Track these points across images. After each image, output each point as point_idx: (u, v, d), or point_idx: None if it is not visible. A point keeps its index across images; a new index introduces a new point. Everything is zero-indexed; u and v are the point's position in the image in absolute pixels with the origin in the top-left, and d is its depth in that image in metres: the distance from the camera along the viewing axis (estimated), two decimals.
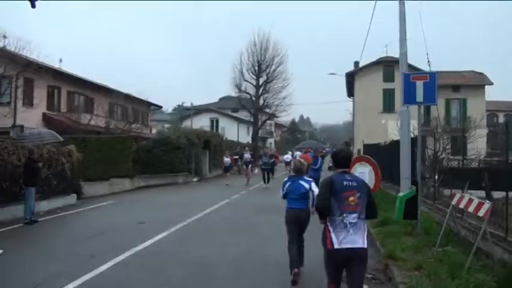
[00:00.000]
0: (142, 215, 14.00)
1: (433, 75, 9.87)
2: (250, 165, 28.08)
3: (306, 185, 7.50)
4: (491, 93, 59.64)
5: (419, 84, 9.89)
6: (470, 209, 7.40)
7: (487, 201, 7.08)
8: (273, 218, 11.77)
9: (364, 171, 7.49)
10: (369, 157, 7.67)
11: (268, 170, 25.31)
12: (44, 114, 28.42)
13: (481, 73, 42.11)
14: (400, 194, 9.88)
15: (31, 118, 26.07)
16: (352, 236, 4.78)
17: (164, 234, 10.93)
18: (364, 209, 4.90)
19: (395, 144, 18.23)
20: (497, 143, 41.63)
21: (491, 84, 41.20)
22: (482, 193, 12.99)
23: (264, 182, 24.63)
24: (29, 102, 26.79)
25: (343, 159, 5.21)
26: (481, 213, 6.93)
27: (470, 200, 7.48)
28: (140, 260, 8.54)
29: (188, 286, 7.08)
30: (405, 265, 7.49)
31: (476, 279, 6.22)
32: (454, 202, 8.26)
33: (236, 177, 30.32)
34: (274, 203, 13.24)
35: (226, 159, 28.08)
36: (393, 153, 17.27)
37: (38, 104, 26.90)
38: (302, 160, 8.23)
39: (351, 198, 4.81)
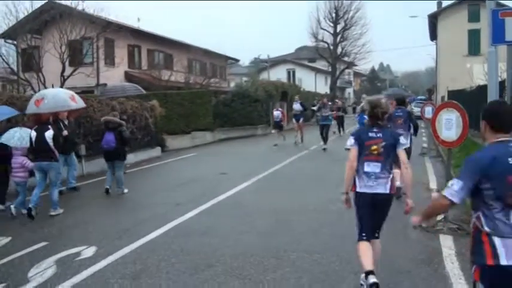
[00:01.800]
0: (224, 166, 14.47)
1: None
2: (301, 119, 22.04)
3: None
4: None
5: (509, 21, 9.19)
6: None
7: None
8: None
9: (451, 118, 7.13)
10: (456, 102, 7.26)
11: (327, 126, 19.55)
12: (125, 73, 29.50)
13: None
14: None
15: (113, 77, 27.17)
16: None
17: (246, 184, 11.26)
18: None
19: (482, 89, 17.33)
20: None
21: None
22: None
23: (323, 142, 19.16)
24: (110, 61, 27.86)
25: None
26: None
27: None
28: (224, 209, 8.89)
29: (271, 232, 7.25)
30: None
31: None
32: None
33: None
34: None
35: (276, 113, 22.38)
36: (480, 99, 16.41)
37: (119, 63, 27.91)
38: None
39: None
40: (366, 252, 4.73)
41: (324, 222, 7.68)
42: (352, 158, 4.90)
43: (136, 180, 12.43)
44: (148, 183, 12.34)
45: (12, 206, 8.55)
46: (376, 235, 5.02)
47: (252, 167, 13.95)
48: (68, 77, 22.92)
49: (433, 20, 42.51)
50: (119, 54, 28.16)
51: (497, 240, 3.03)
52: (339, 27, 48.21)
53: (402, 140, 5.00)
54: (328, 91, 50.79)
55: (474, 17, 39.27)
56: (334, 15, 47.75)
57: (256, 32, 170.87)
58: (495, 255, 3.02)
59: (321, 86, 55.46)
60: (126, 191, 10.66)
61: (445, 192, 3.21)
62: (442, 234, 6.98)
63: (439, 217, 7.41)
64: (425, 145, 18.77)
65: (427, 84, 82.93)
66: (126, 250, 6.41)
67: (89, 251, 6.40)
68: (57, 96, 9.75)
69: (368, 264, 4.60)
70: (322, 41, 48.74)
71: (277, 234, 7.13)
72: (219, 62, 42.43)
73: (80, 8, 23.92)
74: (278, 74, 52.32)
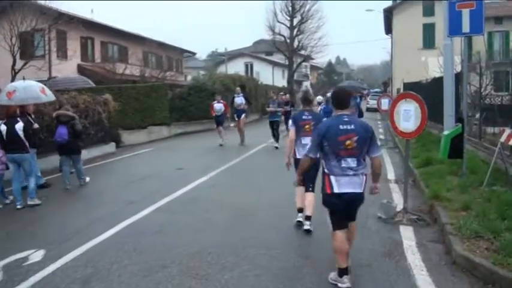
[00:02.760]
0: (181, 161, 14.09)
1: (479, 1, 9.19)
2: (243, 115, 18.96)
3: None
4: None
5: (465, 13, 9.27)
6: None
7: None
8: None
9: (409, 109, 7.04)
10: (415, 93, 7.18)
11: (277, 123, 17.61)
12: (78, 66, 28.65)
13: None
14: (445, 132, 9.49)
15: (66, 70, 26.24)
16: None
17: (203, 179, 10.99)
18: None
19: (437, 81, 17.56)
20: None
21: None
22: None
23: (274, 139, 17.33)
24: (63, 54, 26.91)
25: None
26: None
27: None
28: (180, 205, 8.59)
29: (229, 229, 7.02)
30: (451, 206, 7.20)
31: None
32: (502, 139, 7.84)
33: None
34: None
35: (218, 106, 18.46)
36: (435, 91, 16.64)
37: (72, 56, 27.05)
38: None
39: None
40: (301, 194, 6.85)
41: (282, 217, 7.48)
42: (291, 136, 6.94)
43: (90, 177, 11.94)
44: (101, 181, 11.85)
45: None
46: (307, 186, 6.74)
47: (209, 161, 13.67)
48: (19, 70, 21.94)
49: (389, 14, 43.10)
50: (71, 47, 27.22)
51: (332, 178, 4.77)
52: (295, 21, 48.22)
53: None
54: (285, 84, 50.85)
55: (429, 11, 40.01)
56: (290, 8, 47.70)
57: (214, 26, 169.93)
58: (331, 187, 4.77)
59: (278, 79, 55.51)
60: (88, 179, 11.06)
61: (306, 152, 5.11)
62: (402, 225, 6.92)
63: (398, 208, 7.38)
64: (382, 137, 18.94)
65: (382, 77, 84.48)
66: (77, 252, 6.05)
67: (37, 255, 6.00)
68: (28, 88, 9.97)
69: (301, 203, 6.88)
70: (279, 34, 48.65)
71: (236, 230, 6.93)
72: (175, 55, 41.85)
73: None
74: (236, 68, 51.95)
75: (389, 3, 44.27)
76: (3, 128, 8.86)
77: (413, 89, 25.14)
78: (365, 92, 41.74)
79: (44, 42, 24.62)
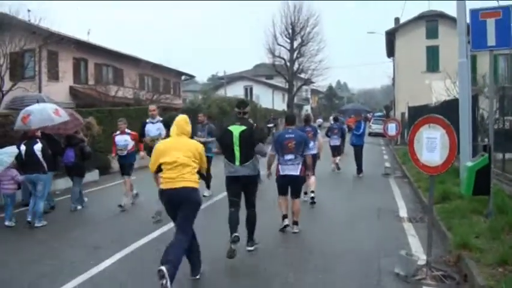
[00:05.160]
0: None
1: (506, 10, 7.92)
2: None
3: None
4: None
5: (491, 23, 8.00)
6: None
7: None
8: None
9: (434, 137, 5.69)
10: (441, 117, 5.83)
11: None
12: (70, 88, 27.43)
13: None
14: (469, 163, 8.09)
15: (57, 92, 24.91)
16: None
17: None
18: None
19: (448, 104, 16.29)
20: None
21: None
22: None
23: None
24: (54, 75, 25.68)
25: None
26: None
27: None
28: (156, 250, 7.04)
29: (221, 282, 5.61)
30: (484, 258, 5.79)
31: None
32: None
33: None
34: None
35: (120, 139, 11.17)
36: (446, 115, 15.28)
37: (63, 77, 25.77)
38: None
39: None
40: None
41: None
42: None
43: (57, 213, 10.50)
44: (71, 216, 10.28)
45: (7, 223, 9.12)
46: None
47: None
48: (7, 92, 20.79)
49: (391, 37, 42.11)
50: (63, 68, 25.93)
51: (280, 166, 7.97)
52: (295, 43, 47.30)
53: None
54: (285, 108, 49.72)
55: (432, 34, 39.08)
56: (290, 31, 46.80)
57: (215, 50, 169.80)
58: (279, 171, 7.98)
59: (278, 103, 54.39)
60: (79, 207, 10.82)
61: (269, 151, 7.79)
62: (426, 286, 5.50)
63: (420, 262, 5.96)
64: (387, 164, 17.57)
65: (382, 101, 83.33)
66: None
67: None
68: (43, 111, 9.85)
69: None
70: (279, 57, 47.67)
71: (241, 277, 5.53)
72: (173, 78, 40.80)
73: (21, 17, 21.90)
74: (235, 91, 50.94)
75: (391, 26, 43.29)
76: (23, 148, 9.27)
77: (420, 113, 23.94)
78: (369, 115, 40.52)
79: (34, 62, 23.48)
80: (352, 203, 11.06)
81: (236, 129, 6.74)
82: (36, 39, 22.38)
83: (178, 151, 5.59)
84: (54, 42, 23.82)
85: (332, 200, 11.49)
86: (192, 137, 6.04)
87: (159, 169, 5.70)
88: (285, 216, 8.15)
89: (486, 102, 18.44)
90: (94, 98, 25.81)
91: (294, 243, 7.53)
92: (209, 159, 11.06)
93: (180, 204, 5.46)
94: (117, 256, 6.88)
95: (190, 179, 5.52)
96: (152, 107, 10.89)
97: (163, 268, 4.86)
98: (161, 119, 10.64)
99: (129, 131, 11.21)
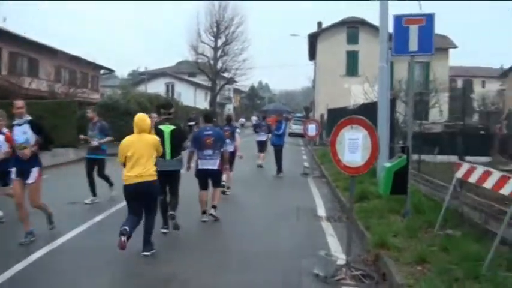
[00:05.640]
0: (78, 192, 10.72)
1: (430, 17, 8.08)
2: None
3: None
4: (455, 58, 58.91)
5: (414, 30, 8.12)
6: (487, 184, 5.72)
7: None
8: None
9: (356, 138, 5.60)
10: (364, 118, 5.77)
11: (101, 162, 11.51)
12: None
13: (444, 36, 40.85)
14: (387, 164, 8.18)
15: None
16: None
17: (100, 217, 8.71)
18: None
19: (366, 107, 16.65)
20: (456, 108, 41.24)
21: (456, 47, 40.16)
22: (451, 158, 11.74)
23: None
24: None
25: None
26: (506, 190, 5.24)
27: (487, 173, 5.78)
28: (58, 261, 6.33)
29: None
30: (403, 257, 5.81)
31: (510, 282, 4.58)
32: (459, 175, 6.59)
33: None
34: None
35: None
36: (365, 117, 15.65)
37: None
38: None
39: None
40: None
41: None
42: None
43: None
44: None
45: None
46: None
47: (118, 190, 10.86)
48: None
49: (313, 40, 42.96)
50: None
51: (199, 160, 8.53)
52: (219, 42, 47.14)
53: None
54: (208, 107, 49.34)
55: (353, 39, 40.37)
56: (215, 29, 46.57)
57: (137, 44, 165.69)
58: (198, 165, 8.57)
59: (200, 101, 53.90)
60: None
61: (188, 149, 8.49)
62: (346, 286, 5.40)
63: (339, 262, 5.87)
64: (306, 164, 17.71)
65: (302, 102, 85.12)
66: None
67: None
68: None
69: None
70: (203, 54, 47.23)
71: None
72: (91, 72, 39.18)
73: None
74: (157, 88, 49.69)
75: (314, 29, 44.17)
76: None
77: (340, 115, 24.47)
78: (290, 116, 41.04)
79: None
80: (272, 202, 10.94)
81: (167, 128, 7.63)
82: None
83: (140, 147, 6.40)
84: None
85: (252, 199, 11.30)
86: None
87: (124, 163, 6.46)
88: (204, 212, 8.58)
89: (402, 106, 19.27)
90: (6, 90, 24.09)
91: (212, 244, 7.24)
92: (102, 162, 10.71)
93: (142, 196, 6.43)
94: (8, 274, 6.20)
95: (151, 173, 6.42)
96: (19, 103, 7.29)
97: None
98: (29, 118, 7.26)
99: (5, 130, 8.03)
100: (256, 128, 17.78)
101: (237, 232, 8.12)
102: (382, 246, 6.22)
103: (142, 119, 6.54)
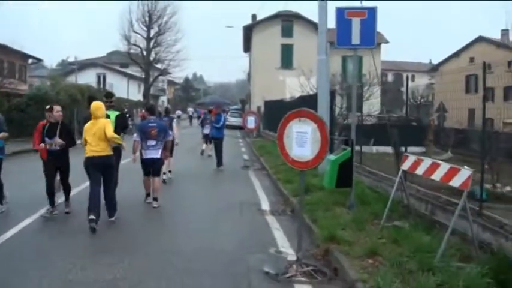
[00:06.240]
0: (8, 191, 9.03)
1: (372, 11, 8.11)
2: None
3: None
4: (387, 53, 60.67)
5: (356, 23, 8.10)
6: (436, 176, 5.75)
7: (465, 166, 5.43)
8: None
9: (305, 131, 5.45)
10: (312, 111, 5.62)
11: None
12: None
13: (377, 31, 41.87)
14: (331, 156, 8.12)
15: None
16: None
17: (29, 220, 7.86)
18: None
19: (303, 100, 16.73)
20: (387, 101, 42.59)
21: (388, 42, 41.39)
22: (387, 149, 11.91)
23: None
24: None
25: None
26: (456, 182, 5.28)
27: (435, 165, 5.81)
28: None
29: None
30: (353, 250, 5.74)
31: (463, 273, 4.59)
32: (405, 167, 6.61)
33: None
34: None
35: None
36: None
37: None
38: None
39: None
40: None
41: None
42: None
43: None
44: None
45: None
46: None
47: (43, 191, 8.72)
48: None
49: (248, 32, 42.89)
50: None
51: (143, 151, 9.26)
52: (152, 32, 46.07)
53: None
54: (141, 98, 48.18)
55: (287, 33, 40.68)
56: (147, 18, 45.42)
57: (66, 34, 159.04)
58: (142, 155, 9.30)
59: (134, 92, 52.47)
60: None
61: (133, 138, 9.41)
62: (298, 283, 5.24)
63: (290, 257, 5.72)
64: (246, 157, 17.58)
65: (238, 95, 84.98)
66: None
67: None
68: None
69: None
70: (135, 44, 45.96)
71: None
72: (18, 61, 36.99)
73: None
74: (87, 78, 47.76)
75: (249, 21, 44.08)
76: None
77: (276, 107, 24.59)
78: (226, 108, 40.83)
79: None
80: (214, 197, 10.72)
81: (112, 114, 8.80)
82: None
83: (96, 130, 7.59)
84: None
85: (193, 193, 11.01)
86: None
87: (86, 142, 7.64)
88: (148, 194, 9.50)
89: (338, 99, 19.55)
90: None
91: (154, 245, 6.74)
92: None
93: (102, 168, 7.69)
94: None
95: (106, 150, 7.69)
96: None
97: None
98: None
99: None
100: (202, 122, 18.81)
101: (180, 230, 7.78)
102: (332, 240, 6.13)
103: (97, 107, 7.70)
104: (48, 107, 8.49)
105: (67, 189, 8.60)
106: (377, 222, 6.94)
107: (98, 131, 7.52)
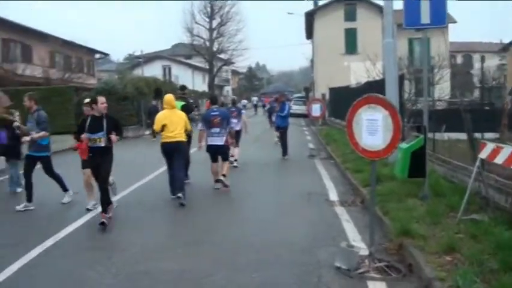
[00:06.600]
0: (78, 182, 9.16)
1: None
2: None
3: None
4: (454, 33, 57.89)
5: (425, 3, 7.64)
6: None
7: None
8: None
9: (375, 118, 5.16)
10: (383, 97, 5.32)
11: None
12: None
13: None
14: (403, 144, 7.75)
15: None
16: (215, 139, 9.78)
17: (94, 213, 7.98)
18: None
19: (371, 86, 16.21)
20: (456, 84, 40.76)
21: (455, 22, 39.48)
22: (459, 136, 11.24)
23: None
24: None
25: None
26: None
27: None
28: (51, 263, 5.92)
29: None
30: (428, 246, 5.39)
31: None
32: (483, 155, 6.17)
33: None
34: None
35: None
36: None
37: None
38: None
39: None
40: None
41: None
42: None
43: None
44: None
45: None
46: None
47: (118, 179, 9.22)
48: None
49: (310, 18, 42.24)
50: None
51: (208, 138, 9.88)
52: (214, 23, 46.48)
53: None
54: (206, 89, 48.78)
55: (351, 16, 39.68)
56: (209, 9, 45.88)
57: (133, 28, 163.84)
58: (208, 141, 9.90)
59: (198, 83, 53.26)
60: (19, 190, 9.96)
61: (199, 128, 10.29)
62: (371, 280, 5.00)
63: (362, 252, 5.48)
64: (312, 146, 17.30)
65: (301, 83, 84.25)
66: None
67: None
68: None
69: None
70: (198, 36, 46.62)
71: None
72: (85, 56, 38.48)
73: None
74: (153, 71, 48.97)
75: (310, 7, 43.40)
76: None
77: (343, 94, 24.07)
78: (290, 96, 40.58)
79: None
80: (280, 186, 10.57)
81: (179, 104, 9.69)
82: None
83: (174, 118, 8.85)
84: None
85: (259, 182, 11.00)
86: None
87: (162, 129, 8.72)
88: (216, 181, 9.96)
89: (406, 84, 18.82)
90: (0, 77, 23.63)
91: (220, 235, 6.76)
92: (46, 159, 8.99)
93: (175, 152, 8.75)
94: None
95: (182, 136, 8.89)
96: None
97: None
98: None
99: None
100: (270, 110, 20.49)
101: (247, 220, 7.73)
102: (405, 234, 5.81)
103: (170, 99, 8.98)
104: (87, 100, 7.81)
105: (105, 196, 7.33)
106: (453, 215, 6.52)
107: (176, 119, 8.78)
